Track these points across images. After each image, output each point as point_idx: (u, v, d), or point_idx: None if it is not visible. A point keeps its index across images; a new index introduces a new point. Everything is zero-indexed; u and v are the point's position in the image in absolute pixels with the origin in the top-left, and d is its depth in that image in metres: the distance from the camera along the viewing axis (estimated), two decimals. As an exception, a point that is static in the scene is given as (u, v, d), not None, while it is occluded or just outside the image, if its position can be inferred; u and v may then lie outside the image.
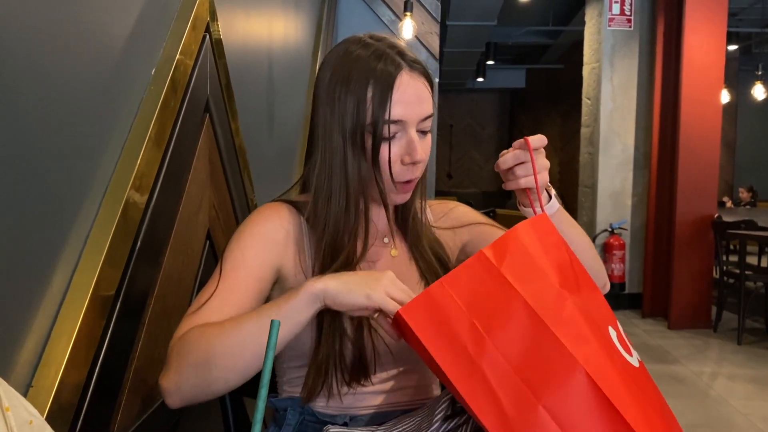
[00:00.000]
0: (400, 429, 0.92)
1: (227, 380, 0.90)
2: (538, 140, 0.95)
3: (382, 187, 1.03)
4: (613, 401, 0.72)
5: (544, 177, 0.96)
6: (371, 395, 1.06)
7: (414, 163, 1.02)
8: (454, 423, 0.85)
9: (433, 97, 1.06)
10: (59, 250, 0.88)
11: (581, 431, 0.72)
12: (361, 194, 1.04)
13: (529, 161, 0.94)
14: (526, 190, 0.97)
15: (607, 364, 0.76)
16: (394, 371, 1.08)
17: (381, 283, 0.88)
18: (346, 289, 0.88)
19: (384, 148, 1.00)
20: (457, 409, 0.86)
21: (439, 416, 0.85)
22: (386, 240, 1.14)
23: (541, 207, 0.96)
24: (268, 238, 1.06)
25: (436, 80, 4.64)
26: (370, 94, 0.99)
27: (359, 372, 1.02)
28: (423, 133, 1.04)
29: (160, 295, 1.17)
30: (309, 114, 3.18)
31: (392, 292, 0.87)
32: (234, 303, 0.98)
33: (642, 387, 0.79)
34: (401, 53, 1.03)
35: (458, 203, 1.28)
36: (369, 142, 1.00)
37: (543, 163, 0.96)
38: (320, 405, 1.07)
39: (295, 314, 0.89)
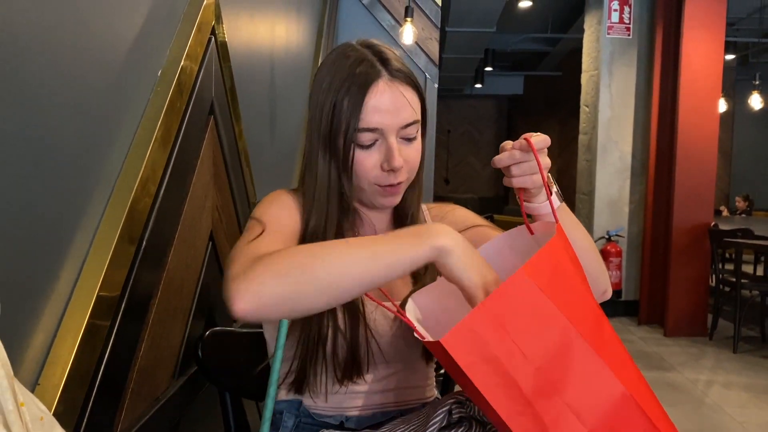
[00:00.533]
0: None
1: (317, 301, 0.83)
2: (542, 141, 0.92)
3: (350, 192, 1.04)
4: (657, 425, 0.73)
5: (544, 177, 0.95)
6: (366, 395, 1.07)
7: (392, 170, 1.02)
8: None
9: (422, 104, 1.06)
10: (66, 250, 0.88)
11: None
12: (336, 195, 1.04)
13: (526, 161, 0.92)
14: (522, 189, 0.96)
15: (644, 384, 0.77)
16: (388, 371, 1.08)
17: (488, 278, 0.84)
18: (465, 263, 0.83)
19: (362, 155, 1.01)
20: (454, 420, 0.85)
21: (434, 426, 0.84)
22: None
23: (555, 217, 0.91)
24: (294, 209, 1.06)
25: (435, 86, 4.66)
26: (345, 100, 0.99)
27: (352, 370, 1.02)
28: (407, 140, 1.03)
29: (164, 296, 1.18)
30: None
31: (489, 288, 0.83)
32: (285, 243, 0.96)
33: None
34: (385, 61, 1.02)
35: (456, 206, 1.27)
36: (343, 146, 1.01)
37: (545, 162, 0.94)
38: (315, 405, 1.07)
39: (408, 259, 0.84)
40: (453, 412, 0.84)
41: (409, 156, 1.03)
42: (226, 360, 1.27)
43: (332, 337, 1.00)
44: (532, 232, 0.97)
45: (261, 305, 0.80)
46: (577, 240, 1.03)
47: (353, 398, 1.06)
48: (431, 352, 0.83)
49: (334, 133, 1.01)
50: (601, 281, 1.08)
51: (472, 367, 0.71)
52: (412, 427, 0.87)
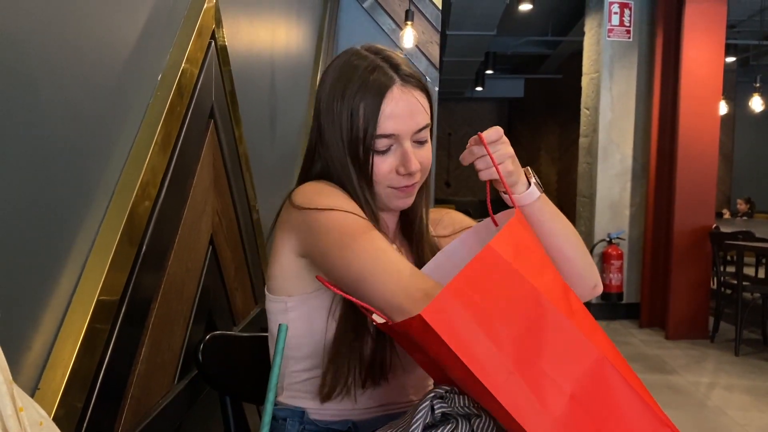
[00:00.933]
0: None
1: None
2: (493, 133, 0.96)
3: (370, 195, 1.05)
4: (635, 388, 0.74)
5: (507, 166, 0.97)
6: (376, 395, 1.06)
7: (409, 174, 1.04)
8: None
9: (431, 107, 1.08)
10: (66, 254, 0.89)
11: (610, 421, 0.73)
12: (366, 196, 1.05)
13: (486, 155, 0.95)
14: (498, 182, 0.98)
15: (615, 350, 0.79)
16: (399, 370, 1.08)
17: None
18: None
19: (377, 160, 1.03)
20: (437, 416, 0.84)
21: (418, 424, 0.83)
22: (394, 246, 1.15)
23: (513, 203, 0.98)
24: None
25: (436, 89, 4.66)
26: (362, 108, 1.01)
27: (375, 372, 1.03)
28: (419, 143, 1.06)
29: (164, 301, 1.18)
30: (310, 122, 3.19)
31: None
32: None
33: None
34: (395, 66, 1.04)
35: (450, 210, 1.29)
36: (363, 154, 1.03)
37: (505, 152, 0.97)
38: (323, 411, 1.07)
39: None
40: (435, 407, 0.83)
41: (422, 158, 1.06)
42: (226, 364, 1.27)
43: (361, 340, 1.01)
44: (496, 224, 1.00)
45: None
46: (559, 231, 1.04)
47: (360, 401, 1.06)
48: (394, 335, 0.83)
49: (355, 142, 1.02)
50: (589, 273, 1.09)
51: (455, 340, 0.72)
52: (400, 429, 0.87)
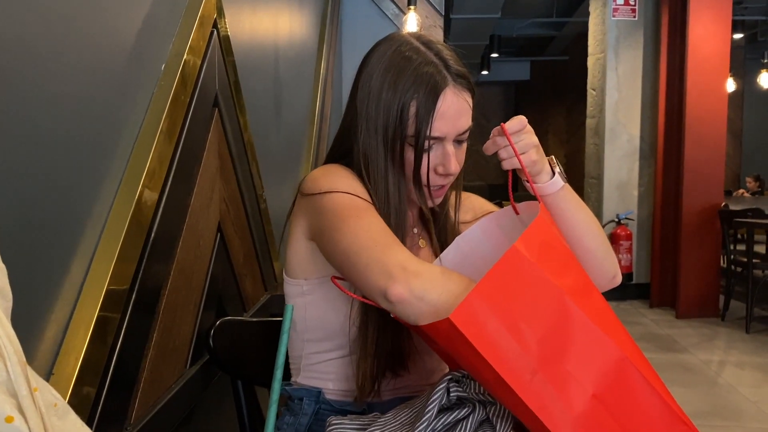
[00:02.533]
0: (399, 419, 0.92)
1: None
2: (517, 123, 0.96)
3: (417, 193, 1.06)
4: (655, 387, 0.76)
5: (531, 156, 0.97)
6: (393, 380, 1.08)
7: (449, 174, 1.05)
8: (453, 417, 0.84)
9: (473, 107, 1.08)
10: (75, 243, 0.90)
11: (631, 420, 0.75)
12: (398, 189, 1.06)
13: (509, 145, 0.95)
14: (521, 171, 0.98)
15: (636, 348, 0.80)
16: (416, 356, 1.09)
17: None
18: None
19: (413, 155, 1.03)
20: (453, 399, 0.86)
21: (433, 404, 0.85)
22: (415, 230, 1.16)
23: (538, 197, 0.97)
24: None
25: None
26: (414, 106, 1.00)
27: (395, 361, 1.04)
28: (459, 143, 1.07)
29: (174, 288, 1.19)
30: (315, 108, 3.20)
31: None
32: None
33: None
34: (448, 65, 1.03)
35: (471, 194, 1.29)
36: (407, 150, 1.03)
37: (529, 141, 0.97)
38: (341, 392, 1.08)
39: None
40: (451, 390, 0.85)
41: (460, 158, 1.07)
42: (236, 348, 1.29)
43: (383, 333, 1.02)
44: (517, 212, 1.00)
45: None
46: (581, 221, 1.04)
47: (383, 386, 1.07)
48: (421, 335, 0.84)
49: (401, 137, 1.02)
50: (608, 264, 1.08)
51: (481, 340, 0.73)
52: (414, 410, 0.88)
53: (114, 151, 1.01)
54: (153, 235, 1.09)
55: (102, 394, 0.92)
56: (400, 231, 1.04)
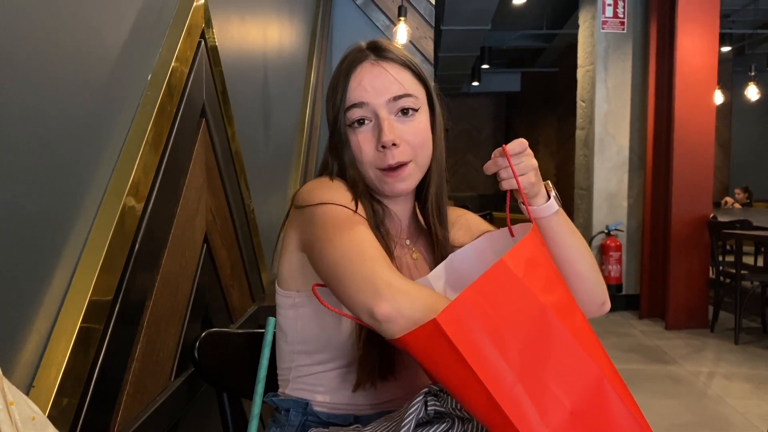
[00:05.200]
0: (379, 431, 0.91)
1: None
2: (518, 145, 0.95)
3: (375, 180, 1.05)
4: (631, 410, 0.75)
5: (529, 178, 0.96)
6: (380, 392, 1.07)
7: (385, 147, 1.02)
8: (432, 431, 0.83)
9: (424, 86, 1.08)
10: (59, 253, 0.89)
11: None
12: (358, 184, 1.05)
13: (509, 166, 0.95)
14: (519, 192, 0.98)
15: (614, 369, 0.80)
16: (404, 367, 1.08)
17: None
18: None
19: (358, 138, 1.04)
20: (430, 413, 0.85)
21: (410, 418, 0.84)
22: (408, 241, 1.15)
23: (531, 217, 0.97)
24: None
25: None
26: (337, 87, 1.05)
27: (384, 367, 1.02)
28: (402, 115, 1.04)
29: (158, 299, 1.18)
30: (304, 118, 3.21)
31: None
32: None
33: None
34: (376, 48, 1.06)
35: (466, 211, 1.27)
36: (350, 135, 1.05)
37: (528, 164, 0.97)
38: (326, 404, 1.07)
39: None
40: (428, 403, 0.84)
41: (406, 133, 1.03)
42: (222, 360, 1.28)
43: (374, 336, 1.00)
44: (512, 234, 1.00)
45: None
46: (572, 245, 1.04)
47: (366, 396, 1.06)
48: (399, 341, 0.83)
49: (334, 122, 1.05)
50: (598, 291, 1.08)
51: (465, 344, 0.73)
52: (393, 424, 0.87)
53: (98, 161, 1.01)
54: (137, 246, 1.08)
55: (84, 406, 0.91)
56: (378, 232, 1.03)
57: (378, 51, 1.06)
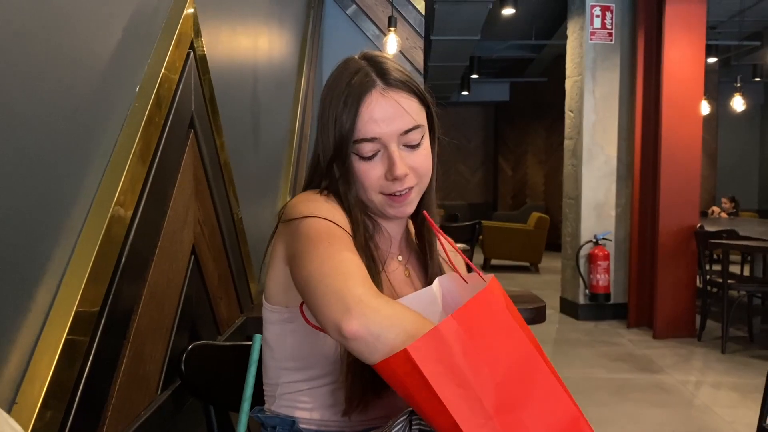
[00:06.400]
0: None
1: None
2: None
3: (354, 203, 1.03)
4: None
5: None
6: (368, 410, 1.05)
7: (396, 179, 1.01)
8: None
9: (428, 110, 1.07)
10: (44, 265, 0.88)
11: None
12: (353, 204, 1.04)
13: None
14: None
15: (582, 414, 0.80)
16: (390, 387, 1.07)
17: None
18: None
19: (366, 167, 1.02)
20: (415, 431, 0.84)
21: None
22: (400, 258, 1.14)
23: (479, 274, 0.95)
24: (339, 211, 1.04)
25: (421, 94, 4.66)
26: (344, 114, 1.00)
27: (371, 388, 1.00)
28: (410, 147, 1.03)
29: (146, 311, 1.17)
30: (294, 128, 3.20)
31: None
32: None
33: None
34: (381, 71, 1.03)
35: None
36: (355, 161, 1.02)
37: None
38: (312, 421, 1.06)
39: None
40: (413, 422, 0.83)
41: (414, 162, 1.03)
42: (209, 373, 1.27)
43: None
44: (465, 281, 0.98)
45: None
46: None
47: (358, 416, 1.04)
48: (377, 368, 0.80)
49: (338, 147, 1.01)
50: None
51: (436, 377, 0.71)
52: None
53: (85, 172, 1.00)
54: (124, 257, 1.07)
55: (68, 421, 0.89)
56: (368, 248, 1.02)
57: (385, 77, 1.02)
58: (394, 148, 1.01)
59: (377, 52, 1.08)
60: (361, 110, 1.00)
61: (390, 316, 0.78)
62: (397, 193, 1.03)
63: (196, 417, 1.34)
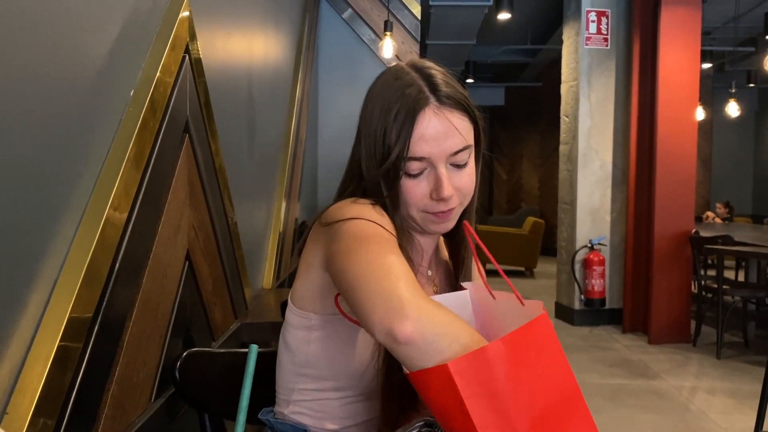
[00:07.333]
0: None
1: None
2: None
3: (402, 218, 1.02)
4: None
5: None
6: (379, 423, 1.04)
7: (441, 200, 1.00)
8: None
9: (477, 127, 1.05)
10: (36, 271, 0.87)
11: None
12: (395, 216, 1.02)
13: None
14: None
15: None
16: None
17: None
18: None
19: (411, 184, 1.00)
20: None
21: None
22: (429, 273, 1.12)
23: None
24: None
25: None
26: (394, 129, 0.98)
27: (408, 403, 0.98)
28: (457, 167, 1.01)
29: (139, 317, 1.16)
30: (290, 132, 3.18)
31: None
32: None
33: None
34: (434, 85, 1.00)
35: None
36: (392, 174, 0.99)
37: None
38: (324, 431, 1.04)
39: None
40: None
41: (459, 183, 1.01)
42: (204, 381, 1.26)
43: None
44: (494, 297, 0.94)
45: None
46: None
47: (371, 429, 1.03)
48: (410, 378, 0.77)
49: (385, 161, 0.99)
50: None
51: (473, 399, 0.68)
52: None
53: (79, 177, 0.98)
54: (118, 263, 1.06)
55: (60, 430, 0.88)
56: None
57: (437, 93, 0.99)
58: (442, 169, 0.99)
59: (426, 62, 1.05)
60: (414, 128, 0.97)
61: (445, 323, 0.74)
62: (441, 213, 1.02)
63: (191, 425, 1.33)
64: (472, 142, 1.03)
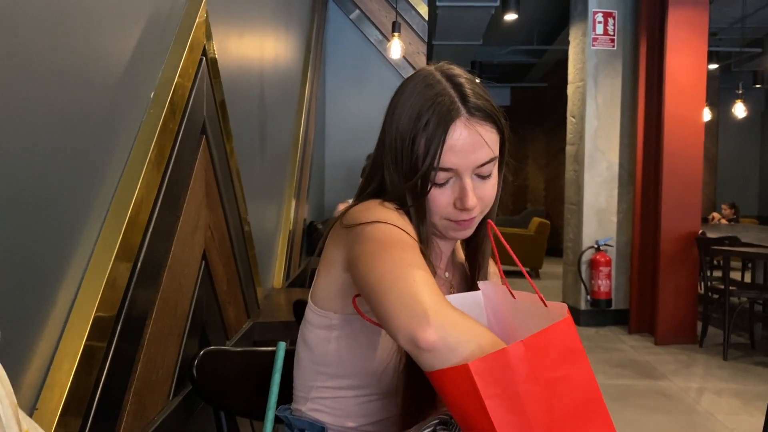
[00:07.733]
0: None
1: None
2: None
3: (440, 227, 1.03)
4: None
5: None
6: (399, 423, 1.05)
7: (465, 210, 1.01)
8: None
9: (502, 137, 1.06)
10: (63, 273, 0.89)
11: None
12: (418, 221, 1.03)
13: None
14: None
15: None
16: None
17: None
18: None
19: (436, 192, 1.01)
20: None
21: None
22: (447, 275, 1.14)
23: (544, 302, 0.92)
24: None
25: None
26: (424, 137, 0.98)
27: (428, 399, 0.99)
28: (481, 177, 1.03)
29: (159, 316, 1.18)
30: (299, 132, 3.20)
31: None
32: None
33: None
34: (464, 96, 1.01)
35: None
36: (420, 182, 1.00)
37: None
38: (344, 430, 1.05)
39: None
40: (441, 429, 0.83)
41: (483, 193, 1.03)
42: (220, 379, 1.27)
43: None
44: (514, 297, 0.95)
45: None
46: None
47: (389, 429, 1.04)
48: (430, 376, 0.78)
49: (413, 167, 1.00)
50: None
51: (492, 400, 0.69)
52: None
53: (102, 179, 1.00)
54: (140, 263, 1.08)
55: (86, 427, 0.90)
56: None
57: (467, 104, 1.00)
58: (468, 179, 1.00)
59: (455, 69, 1.06)
60: (445, 138, 0.98)
61: (467, 330, 0.75)
62: (463, 221, 1.03)
63: (207, 422, 1.35)
64: (497, 151, 1.04)
